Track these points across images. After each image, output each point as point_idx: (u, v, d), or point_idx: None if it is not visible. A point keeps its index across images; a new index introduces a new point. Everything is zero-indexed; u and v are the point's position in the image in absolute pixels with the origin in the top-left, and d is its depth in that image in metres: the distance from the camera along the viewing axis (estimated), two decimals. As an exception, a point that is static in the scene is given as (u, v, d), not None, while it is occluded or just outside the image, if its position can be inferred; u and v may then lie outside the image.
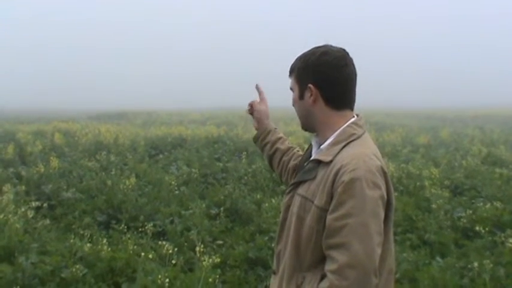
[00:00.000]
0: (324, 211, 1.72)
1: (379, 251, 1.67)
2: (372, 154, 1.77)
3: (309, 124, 1.96)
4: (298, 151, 2.34)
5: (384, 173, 1.75)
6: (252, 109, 2.37)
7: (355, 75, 1.90)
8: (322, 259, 1.74)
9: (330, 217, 1.69)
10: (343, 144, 1.81)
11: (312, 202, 1.77)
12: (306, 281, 1.77)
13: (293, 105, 1.99)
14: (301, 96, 1.93)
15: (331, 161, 1.77)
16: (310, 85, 1.88)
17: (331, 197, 1.71)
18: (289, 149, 2.35)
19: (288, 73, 2.00)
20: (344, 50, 1.90)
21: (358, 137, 1.84)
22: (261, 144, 2.38)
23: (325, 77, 1.86)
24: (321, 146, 1.89)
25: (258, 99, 2.38)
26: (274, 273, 1.97)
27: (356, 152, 1.76)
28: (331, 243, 1.67)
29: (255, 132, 2.42)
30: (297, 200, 1.85)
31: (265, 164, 10.45)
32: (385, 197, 1.73)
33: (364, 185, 1.67)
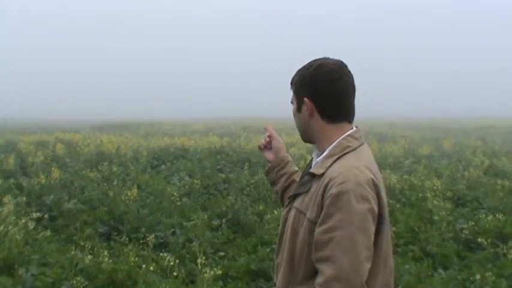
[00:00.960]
0: (314, 224, 1.73)
1: (367, 265, 1.66)
2: (364, 167, 1.76)
3: (307, 136, 1.97)
4: None
5: (375, 186, 1.73)
6: (269, 140, 2.28)
7: (353, 87, 1.89)
8: (314, 273, 1.73)
9: (317, 230, 1.70)
10: (336, 157, 1.81)
11: (305, 215, 1.78)
12: None
13: (294, 117, 2.01)
14: (298, 109, 1.93)
15: (322, 174, 1.78)
16: (305, 99, 1.88)
17: (321, 210, 1.71)
18: None
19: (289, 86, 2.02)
20: (341, 62, 1.89)
21: (353, 150, 1.83)
22: (276, 176, 2.27)
23: (319, 90, 1.86)
24: (317, 159, 1.90)
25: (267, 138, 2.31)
26: (275, 285, 1.97)
27: (347, 165, 1.76)
28: (319, 257, 1.68)
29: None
30: (292, 213, 1.87)
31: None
32: (376, 210, 1.71)
33: (352, 198, 1.66)
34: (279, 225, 2.07)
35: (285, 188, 2.24)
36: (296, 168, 2.29)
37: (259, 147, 2.31)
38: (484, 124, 42.26)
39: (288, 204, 1.94)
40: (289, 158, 2.29)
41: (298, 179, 2.18)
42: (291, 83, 1.98)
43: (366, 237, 1.67)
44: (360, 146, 1.86)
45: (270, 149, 2.28)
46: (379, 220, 1.74)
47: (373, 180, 1.73)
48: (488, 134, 31.29)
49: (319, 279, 1.66)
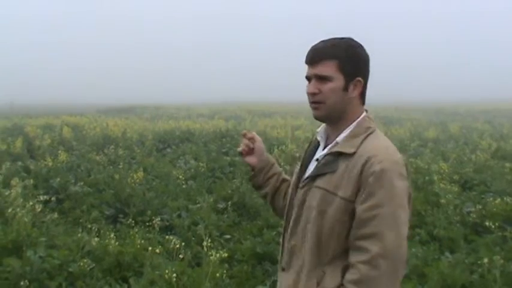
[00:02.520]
0: (350, 202, 1.74)
1: (406, 242, 1.71)
2: (393, 147, 1.83)
3: (336, 115, 1.87)
4: None
5: (405, 165, 1.79)
6: (251, 144, 2.15)
7: None
8: (343, 252, 1.76)
9: (360, 207, 1.71)
10: (362, 136, 1.82)
11: (335, 194, 1.77)
12: (326, 275, 1.77)
13: (316, 93, 1.85)
14: (345, 87, 1.85)
15: (354, 153, 1.78)
16: (359, 79, 1.85)
17: (357, 188, 1.73)
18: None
19: (316, 60, 1.86)
20: None
21: (374, 131, 1.86)
22: (264, 178, 2.18)
23: (368, 72, 1.91)
24: (337, 139, 1.86)
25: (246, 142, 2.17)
26: (284, 269, 1.93)
27: (380, 144, 1.80)
28: (362, 234, 1.69)
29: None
30: (315, 194, 1.83)
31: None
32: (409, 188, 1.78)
33: (393, 176, 1.71)
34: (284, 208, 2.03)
35: (276, 189, 2.19)
36: (280, 168, 2.24)
37: (241, 153, 2.16)
38: (491, 108, 41.96)
39: (304, 185, 1.89)
40: (273, 159, 2.23)
41: (287, 177, 2.21)
42: (330, 57, 1.84)
43: (406, 214, 1.72)
44: (376, 128, 1.89)
45: (251, 153, 2.16)
46: (408, 199, 1.79)
47: (403, 160, 1.80)
48: (495, 117, 31.09)
49: (362, 257, 1.67)
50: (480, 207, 6.54)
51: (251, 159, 2.16)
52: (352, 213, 1.74)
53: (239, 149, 2.16)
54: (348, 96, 1.86)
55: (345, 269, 1.73)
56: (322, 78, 1.85)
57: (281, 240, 2.01)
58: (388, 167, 1.71)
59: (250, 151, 2.15)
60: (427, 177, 8.61)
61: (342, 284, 1.72)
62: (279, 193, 2.18)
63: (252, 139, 2.14)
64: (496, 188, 7.97)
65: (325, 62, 1.84)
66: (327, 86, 1.84)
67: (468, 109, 41.71)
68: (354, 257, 1.70)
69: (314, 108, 1.89)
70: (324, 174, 1.82)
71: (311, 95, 1.87)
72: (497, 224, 5.60)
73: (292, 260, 1.89)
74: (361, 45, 1.88)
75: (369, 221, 1.68)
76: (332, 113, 1.87)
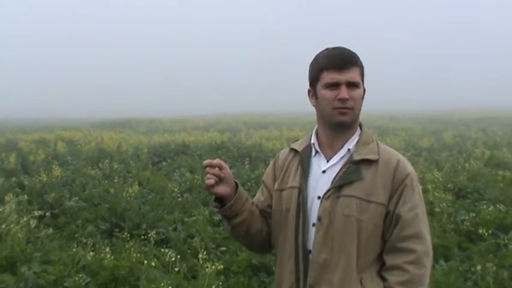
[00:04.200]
0: (384, 206, 1.80)
1: None
2: None
3: (356, 122, 1.93)
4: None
5: None
6: (221, 173, 1.88)
7: None
8: (377, 256, 1.82)
9: (401, 210, 1.79)
10: (374, 143, 1.90)
11: (368, 201, 1.80)
12: (366, 282, 1.78)
13: (347, 98, 1.84)
14: (363, 94, 1.92)
15: (378, 159, 1.84)
16: (365, 87, 1.93)
17: (390, 191, 1.81)
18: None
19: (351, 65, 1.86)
20: None
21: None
22: (242, 203, 1.93)
23: None
24: (349, 147, 1.88)
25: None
26: (312, 286, 1.82)
27: (393, 151, 1.92)
28: (406, 235, 1.77)
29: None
30: (347, 203, 1.80)
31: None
32: None
33: (416, 179, 1.87)
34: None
35: (252, 212, 1.98)
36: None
37: (210, 186, 1.87)
38: (484, 116, 42.18)
39: (329, 196, 1.82)
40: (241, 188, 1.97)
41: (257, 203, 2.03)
42: (356, 64, 1.87)
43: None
44: None
45: (220, 183, 1.89)
46: None
47: None
48: (489, 125, 31.25)
49: (409, 257, 1.75)
50: (474, 215, 6.58)
51: (223, 189, 1.89)
52: (385, 218, 1.80)
53: (210, 182, 1.87)
54: (362, 103, 1.92)
55: (380, 272, 1.80)
56: (353, 85, 1.85)
57: (294, 258, 1.88)
58: (413, 171, 1.86)
59: (220, 181, 1.89)
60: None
61: None
62: (255, 216, 1.99)
63: (219, 166, 1.88)
64: (489, 196, 8.02)
65: (355, 69, 1.86)
66: (357, 93, 1.86)
67: (461, 118, 41.92)
68: (398, 259, 1.76)
69: (342, 114, 1.84)
70: (350, 182, 1.82)
71: (342, 101, 1.83)
72: (490, 231, 5.64)
73: (326, 275, 1.81)
74: None
75: (411, 222, 1.78)
76: (356, 120, 1.91)
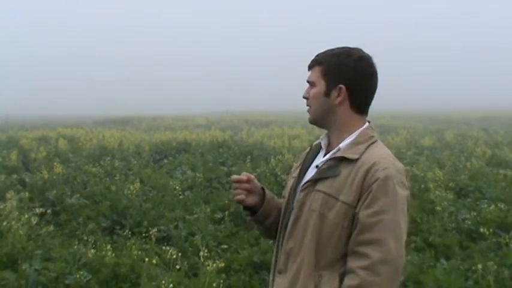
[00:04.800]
0: (351, 207, 1.77)
1: (404, 250, 1.74)
2: (395, 156, 1.86)
3: (323, 121, 1.95)
4: None
5: (406, 175, 1.83)
6: (248, 186, 2.00)
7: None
8: (341, 257, 1.77)
9: (363, 213, 1.73)
10: (366, 144, 1.86)
11: (336, 199, 1.78)
12: (323, 279, 1.78)
13: (307, 97, 1.95)
14: (327, 93, 1.90)
15: (357, 159, 1.81)
16: (341, 86, 1.88)
17: (359, 193, 1.76)
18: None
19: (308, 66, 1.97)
20: (371, 56, 1.93)
21: (376, 140, 1.91)
22: (270, 206, 2.06)
23: (358, 83, 1.89)
24: (340, 145, 1.89)
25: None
26: (280, 272, 1.93)
27: (383, 153, 1.84)
28: (363, 239, 1.71)
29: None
30: (316, 197, 1.84)
31: (270, 168, 10.46)
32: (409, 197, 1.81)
33: (396, 184, 1.74)
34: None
35: (280, 209, 2.07)
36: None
37: (241, 201, 2.00)
38: (486, 115, 42.13)
39: (305, 189, 1.89)
40: (268, 192, 2.10)
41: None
42: (317, 63, 1.93)
43: (405, 222, 1.75)
44: (377, 138, 1.93)
45: (248, 194, 2.01)
46: (407, 207, 1.82)
47: (405, 170, 1.83)
48: (490, 124, 31.21)
49: (363, 263, 1.68)
50: (475, 214, 6.58)
51: (251, 200, 2.02)
52: (352, 219, 1.76)
53: (241, 198, 1.98)
54: (331, 103, 1.90)
55: (343, 275, 1.74)
56: (310, 84, 1.95)
57: (276, 243, 2.01)
58: (392, 175, 1.74)
59: (248, 193, 2.01)
60: (422, 185, 8.64)
61: None
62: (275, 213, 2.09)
63: (248, 181, 1.99)
64: (490, 195, 8.02)
65: (314, 68, 1.94)
66: (312, 91, 1.94)
67: (463, 116, 41.87)
68: (353, 263, 1.71)
69: (307, 112, 1.97)
70: (325, 178, 1.84)
71: (304, 98, 1.96)
72: (491, 230, 5.64)
73: (288, 263, 1.88)
74: (362, 56, 1.90)
75: (372, 227, 1.70)
76: (317, 118, 1.95)
